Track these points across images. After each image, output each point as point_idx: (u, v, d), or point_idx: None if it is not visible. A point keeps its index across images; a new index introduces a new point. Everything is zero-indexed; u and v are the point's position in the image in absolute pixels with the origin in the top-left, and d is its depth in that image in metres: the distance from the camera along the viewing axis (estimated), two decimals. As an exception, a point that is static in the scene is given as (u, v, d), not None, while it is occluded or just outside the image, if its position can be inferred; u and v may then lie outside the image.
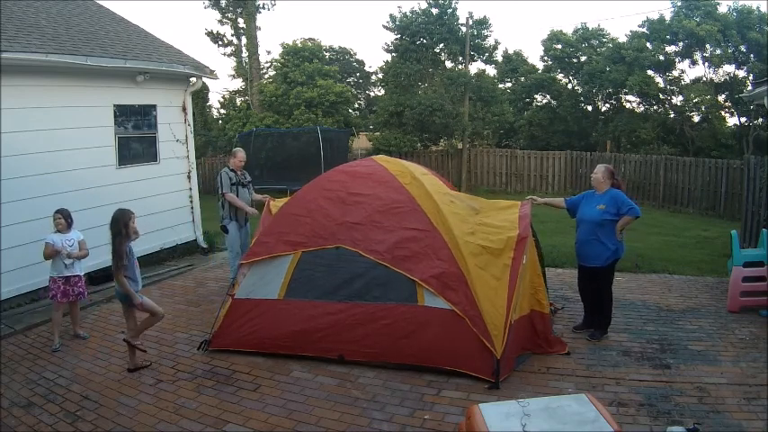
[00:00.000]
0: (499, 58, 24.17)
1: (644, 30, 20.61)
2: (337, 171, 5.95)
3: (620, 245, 5.38)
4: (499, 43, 26.10)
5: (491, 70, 24.60)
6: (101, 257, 7.76)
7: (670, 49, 20.08)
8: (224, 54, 27.27)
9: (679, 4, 19.94)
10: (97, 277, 7.42)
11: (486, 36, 22.15)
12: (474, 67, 23.03)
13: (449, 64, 23.10)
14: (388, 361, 4.80)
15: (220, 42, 25.57)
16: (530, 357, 4.99)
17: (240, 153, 7.42)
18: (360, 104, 29.97)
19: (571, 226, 13.17)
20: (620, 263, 8.34)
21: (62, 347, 5.53)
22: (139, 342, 5.01)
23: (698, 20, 18.72)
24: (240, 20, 24.31)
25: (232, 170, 7.22)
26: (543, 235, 11.38)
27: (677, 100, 20.30)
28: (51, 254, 5.51)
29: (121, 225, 4.82)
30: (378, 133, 22.57)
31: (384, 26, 22.09)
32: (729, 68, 19.62)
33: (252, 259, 5.36)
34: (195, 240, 9.79)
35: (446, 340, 4.67)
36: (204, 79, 9.93)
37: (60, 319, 5.70)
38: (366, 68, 30.51)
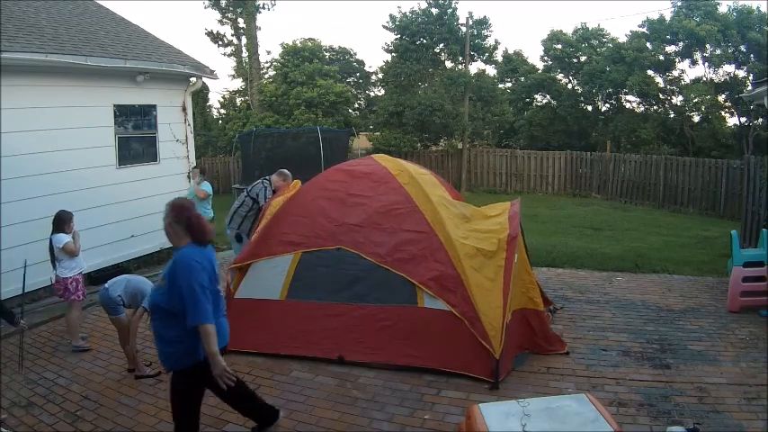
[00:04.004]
0: (499, 58, 24.17)
1: (644, 30, 20.59)
2: (337, 170, 5.93)
3: (192, 341, 3.16)
4: (499, 43, 26.12)
5: (491, 70, 24.62)
6: (101, 258, 7.79)
7: (670, 49, 20.07)
8: (224, 54, 27.31)
9: (679, 4, 19.94)
10: (97, 277, 7.42)
11: (486, 36, 22.15)
12: (474, 67, 23.05)
13: (449, 64, 23.10)
14: (387, 362, 4.80)
15: (220, 42, 25.57)
16: (529, 357, 4.99)
17: (290, 178, 6.60)
18: (360, 104, 29.91)
19: (572, 226, 13.23)
20: (620, 263, 8.47)
21: (61, 348, 5.54)
22: (150, 368, 4.89)
23: (698, 20, 18.71)
24: (240, 20, 24.31)
25: (273, 190, 6.51)
26: (543, 235, 11.45)
27: (677, 100, 20.29)
28: (76, 247, 5.55)
29: None
30: (378, 133, 22.56)
31: (384, 26, 22.11)
32: (729, 68, 19.63)
33: (252, 260, 5.36)
34: (195, 240, 9.77)
35: (445, 342, 4.68)
36: (204, 79, 9.93)
37: (81, 314, 5.70)
38: (366, 68, 30.46)
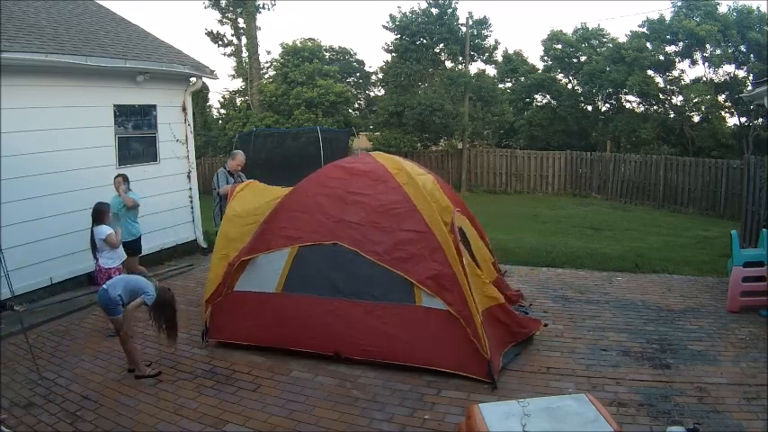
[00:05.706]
0: (499, 58, 24.19)
1: (644, 30, 20.60)
2: (335, 167, 5.87)
3: None
4: (499, 43, 26.12)
5: (491, 70, 24.65)
6: (101, 257, 7.76)
7: (670, 49, 20.07)
8: (224, 54, 27.32)
9: (679, 4, 19.94)
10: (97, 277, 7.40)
11: (486, 36, 22.19)
12: (474, 67, 23.07)
13: (449, 64, 23.12)
14: (383, 360, 4.80)
15: (220, 42, 25.58)
16: (524, 355, 5.01)
17: (240, 156, 7.39)
18: (360, 104, 29.92)
19: (572, 226, 13.22)
20: (620, 263, 8.47)
21: (62, 347, 5.54)
22: (150, 368, 4.90)
23: (698, 20, 18.72)
24: (240, 20, 24.33)
25: (229, 171, 7.27)
26: (543, 235, 11.45)
27: (677, 100, 20.30)
28: (117, 239, 5.83)
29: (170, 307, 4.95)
30: (378, 133, 22.58)
31: (384, 26, 22.13)
32: (729, 68, 19.63)
33: (251, 255, 5.35)
34: (195, 240, 9.78)
35: (442, 341, 4.70)
36: (204, 79, 9.92)
37: None
38: (366, 68, 30.47)
